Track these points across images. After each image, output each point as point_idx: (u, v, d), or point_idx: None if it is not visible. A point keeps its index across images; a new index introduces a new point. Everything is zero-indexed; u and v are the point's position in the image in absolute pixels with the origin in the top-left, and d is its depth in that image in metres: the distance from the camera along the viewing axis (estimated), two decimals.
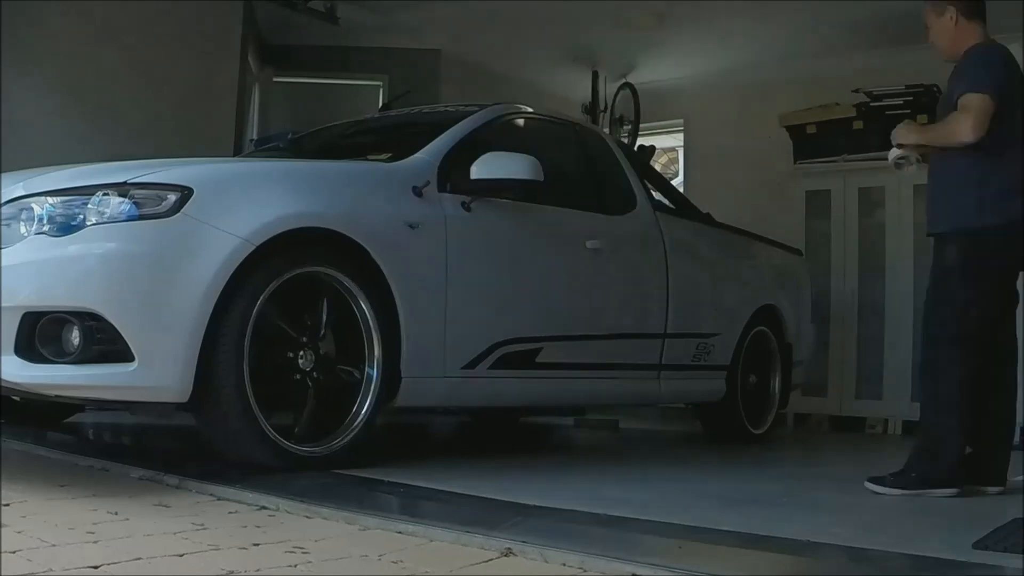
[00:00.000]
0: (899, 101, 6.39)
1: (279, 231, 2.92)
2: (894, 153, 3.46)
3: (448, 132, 3.74)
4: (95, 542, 1.98)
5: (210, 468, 2.83)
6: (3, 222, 2.75)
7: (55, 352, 2.68)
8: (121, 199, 2.75)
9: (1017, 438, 5.74)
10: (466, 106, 4.14)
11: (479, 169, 3.54)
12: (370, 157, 4.05)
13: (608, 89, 8.03)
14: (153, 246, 2.74)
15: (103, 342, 2.66)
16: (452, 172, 3.57)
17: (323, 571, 1.88)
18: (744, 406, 5.00)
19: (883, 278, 6.45)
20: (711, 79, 7.77)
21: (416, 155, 3.60)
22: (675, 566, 1.96)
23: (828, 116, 6.59)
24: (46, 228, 2.72)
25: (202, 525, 2.21)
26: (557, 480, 3.34)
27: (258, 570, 1.83)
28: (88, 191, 2.76)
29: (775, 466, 4.34)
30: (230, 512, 2.41)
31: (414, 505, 2.61)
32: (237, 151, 6.01)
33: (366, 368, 3.18)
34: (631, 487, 3.21)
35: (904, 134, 3.48)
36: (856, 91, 6.51)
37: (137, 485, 2.74)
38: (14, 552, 1.83)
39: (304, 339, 3.08)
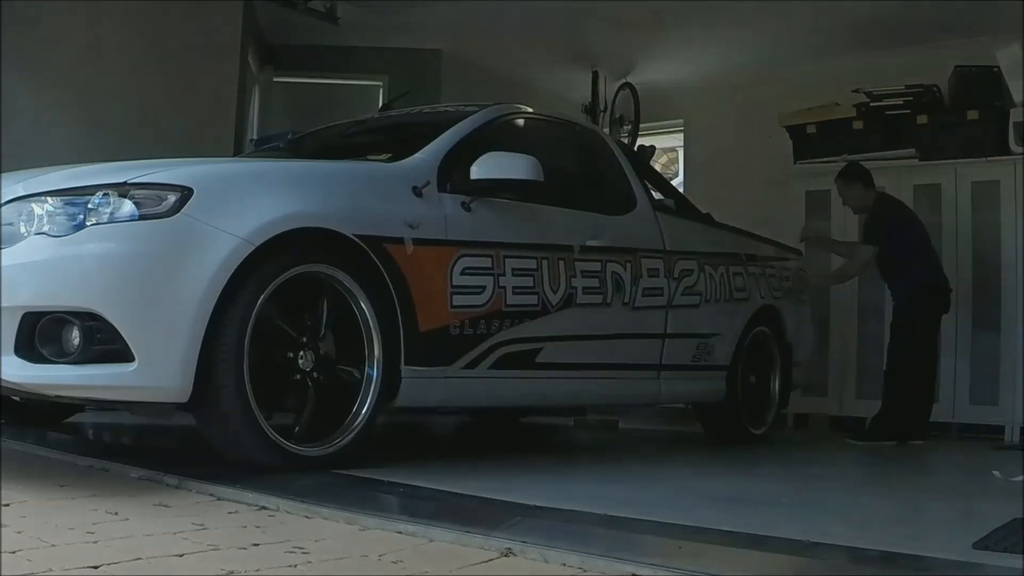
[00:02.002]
0: (899, 101, 6.40)
1: (279, 231, 2.92)
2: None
3: (448, 132, 3.74)
4: (95, 542, 1.98)
5: (210, 468, 2.82)
6: (3, 222, 2.75)
7: (55, 352, 2.68)
8: (121, 199, 2.75)
9: (1017, 438, 5.78)
10: (466, 106, 4.14)
11: (479, 169, 3.54)
12: (370, 157, 4.05)
13: (608, 89, 8.03)
14: (153, 246, 2.74)
15: (103, 342, 2.66)
16: (452, 172, 3.57)
17: (323, 571, 1.88)
18: (744, 406, 5.00)
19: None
20: (711, 79, 7.78)
21: (416, 155, 3.59)
22: (675, 566, 1.96)
23: (828, 116, 6.59)
24: (46, 228, 2.72)
25: (202, 525, 2.21)
26: (557, 480, 3.34)
27: (258, 570, 1.83)
28: (88, 191, 2.76)
29: (775, 466, 4.33)
30: (230, 512, 2.41)
31: (414, 505, 2.61)
32: (237, 151, 6.01)
33: (366, 368, 3.18)
34: (631, 487, 3.21)
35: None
36: (856, 91, 6.51)
37: (137, 485, 2.74)
38: (14, 552, 1.83)
39: (304, 339, 3.08)
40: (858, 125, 6.51)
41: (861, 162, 5.91)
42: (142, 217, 2.75)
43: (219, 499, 2.56)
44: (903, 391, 5.42)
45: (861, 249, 5.72)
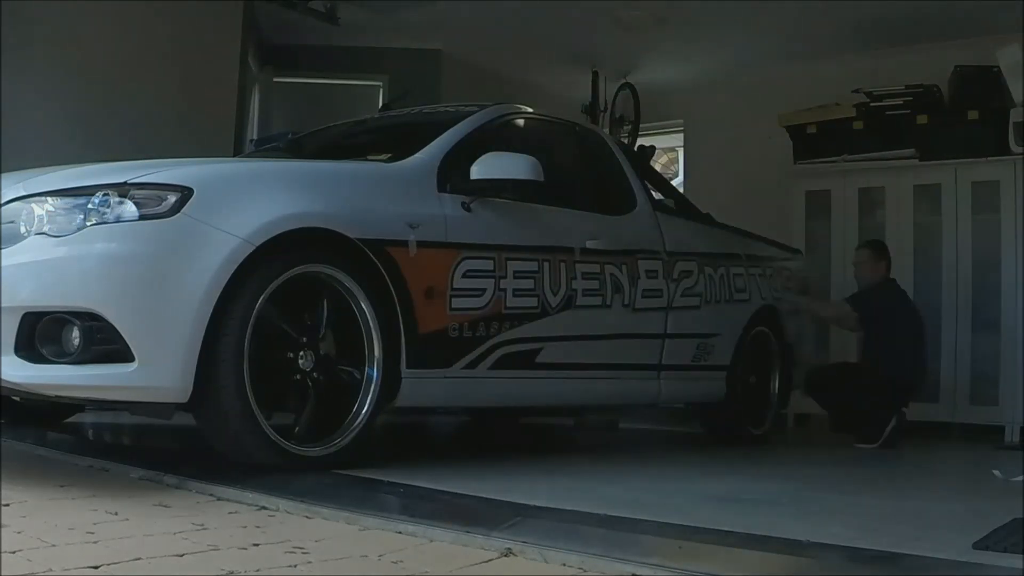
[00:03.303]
0: (899, 101, 6.40)
1: (279, 231, 2.92)
2: None
3: (448, 132, 3.74)
4: (95, 542, 1.98)
5: (210, 468, 2.82)
6: (3, 222, 2.75)
7: (55, 352, 2.68)
8: (121, 199, 2.75)
9: (1017, 438, 5.78)
10: (466, 106, 4.14)
11: (479, 169, 3.54)
12: (370, 157, 4.05)
13: (608, 89, 8.03)
14: (153, 246, 2.74)
15: (103, 342, 2.66)
16: (452, 172, 3.57)
17: (323, 571, 1.88)
18: (744, 406, 5.00)
19: None
20: (711, 79, 7.78)
21: (416, 155, 3.60)
22: (675, 566, 1.96)
23: (828, 116, 6.59)
24: (46, 228, 2.72)
25: (202, 525, 2.21)
26: (557, 480, 3.34)
27: (258, 570, 1.83)
28: (88, 191, 2.76)
29: (775, 466, 4.33)
30: (230, 512, 2.41)
31: (414, 505, 2.60)
32: (237, 151, 6.01)
33: (366, 368, 3.18)
34: (631, 487, 3.21)
35: None
36: (856, 91, 6.51)
37: (137, 485, 2.74)
38: (14, 552, 1.83)
39: (304, 339, 3.08)
40: (858, 125, 6.51)
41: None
42: (142, 217, 2.75)
43: (219, 499, 2.56)
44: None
45: (842, 304, 5.68)
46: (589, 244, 4.02)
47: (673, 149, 10.11)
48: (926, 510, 3.05)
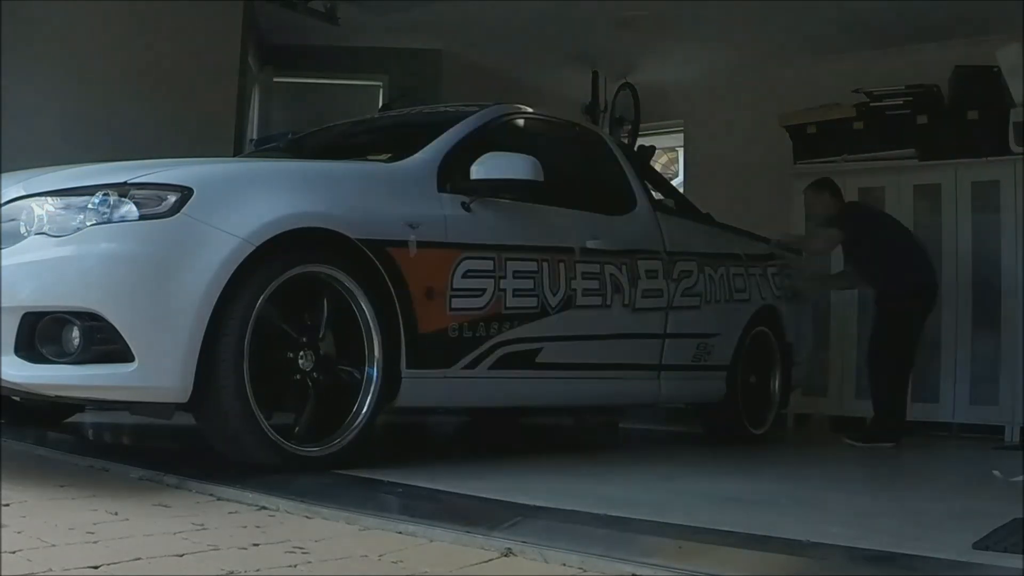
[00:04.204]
0: (899, 101, 6.40)
1: (279, 231, 2.92)
2: None
3: (448, 132, 3.74)
4: (95, 542, 1.98)
5: (210, 468, 2.82)
6: (3, 222, 2.75)
7: (55, 352, 2.68)
8: (121, 199, 2.75)
9: (1017, 438, 5.78)
10: (466, 106, 4.14)
11: (479, 169, 3.54)
12: (370, 157, 4.05)
13: (608, 89, 8.03)
14: (153, 246, 2.74)
15: (103, 342, 2.65)
16: (452, 172, 3.57)
17: (323, 571, 1.88)
18: (744, 406, 5.00)
19: None
20: (711, 79, 7.78)
21: (416, 155, 3.60)
22: (675, 566, 1.96)
23: (828, 116, 6.60)
24: (46, 228, 2.72)
25: (202, 525, 2.21)
26: (557, 480, 3.34)
27: (258, 570, 1.83)
28: (88, 191, 2.76)
29: (775, 466, 4.33)
30: (230, 512, 2.41)
31: (414, 505, 2.61)
32: (237, 151, 6.01)
33: (366, 368, 3.18)
34: (631, 487, 3.21)
35: None
36: (856, 91, 6.51)
37: (137, 485, 2.74)
38: (14, 552, 1.83)
39: (304, 339, 3.08)
40: (858, 125, 6.51)
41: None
42: (142, 217, 2.75)
43: (219, 499, 2.56)
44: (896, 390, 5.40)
45: (826, 232, 5.68)
46: (589, 244, 4.02)
47: (673, 149, 10.12)
48: (926, 510, 3.06)
